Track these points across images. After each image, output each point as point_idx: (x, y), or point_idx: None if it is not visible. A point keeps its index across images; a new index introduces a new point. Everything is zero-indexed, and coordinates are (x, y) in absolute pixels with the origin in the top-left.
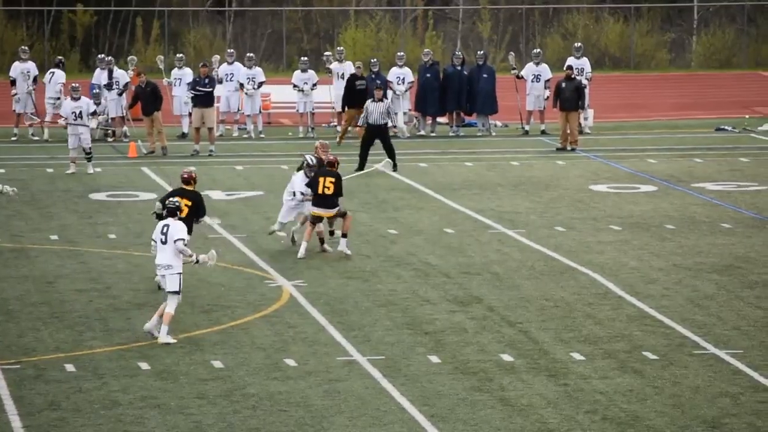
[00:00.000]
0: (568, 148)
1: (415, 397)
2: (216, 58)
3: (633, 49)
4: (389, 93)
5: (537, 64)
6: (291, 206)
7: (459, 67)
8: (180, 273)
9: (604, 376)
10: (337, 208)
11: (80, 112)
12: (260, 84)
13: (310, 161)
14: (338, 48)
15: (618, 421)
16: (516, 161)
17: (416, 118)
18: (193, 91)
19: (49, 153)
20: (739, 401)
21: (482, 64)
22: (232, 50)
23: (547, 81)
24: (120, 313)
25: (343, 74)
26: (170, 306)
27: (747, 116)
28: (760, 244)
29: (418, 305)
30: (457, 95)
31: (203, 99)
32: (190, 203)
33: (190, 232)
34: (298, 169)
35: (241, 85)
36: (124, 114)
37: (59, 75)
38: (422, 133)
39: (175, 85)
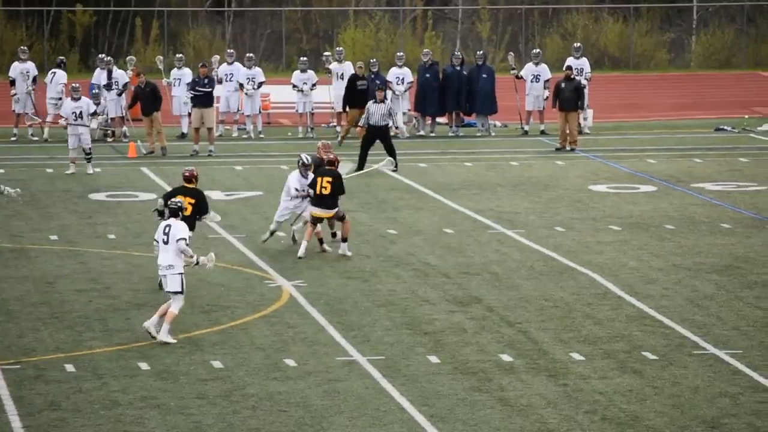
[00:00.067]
0: (568, 148)
1: (415, 397)
2: (216, 58)
3: (632, 49)
4: (389, 93)
5: (536, 64)
6: (288, 205)
7: (458, 68)
8: (182, 273)
9: (604, 376)
10: (336, 209)
11: (80, 113)
12: (260, 84)
13: (305, 160)
14: (337, 48)
15: (617, 421)
16: (515, 161)
17: (416, 118)
18: (192, 92)
19: (49, 153)
20: (738, 401)
21: (481, 64)
22: (231, 50)
23: (547, 81)
24: (120, 313)
25: (342, 74)
26: (175, 306)
27: (746, 116)
28: (759, 244)
29: (417, 305)
30: (456, 95)
31: (203, 99)
32: (193, 201)
33: (192, 229)
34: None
35: (241, 86)
36: (124, 114)
37: (60, 75)
38: (422, 133)
39: (174, 86)
